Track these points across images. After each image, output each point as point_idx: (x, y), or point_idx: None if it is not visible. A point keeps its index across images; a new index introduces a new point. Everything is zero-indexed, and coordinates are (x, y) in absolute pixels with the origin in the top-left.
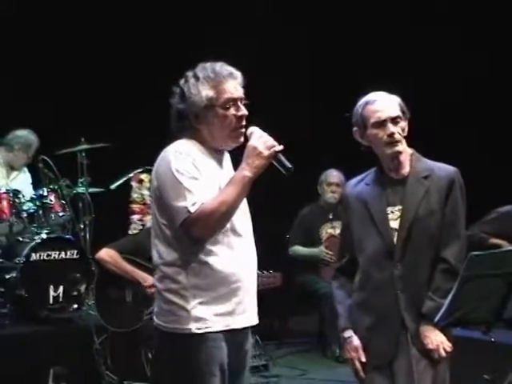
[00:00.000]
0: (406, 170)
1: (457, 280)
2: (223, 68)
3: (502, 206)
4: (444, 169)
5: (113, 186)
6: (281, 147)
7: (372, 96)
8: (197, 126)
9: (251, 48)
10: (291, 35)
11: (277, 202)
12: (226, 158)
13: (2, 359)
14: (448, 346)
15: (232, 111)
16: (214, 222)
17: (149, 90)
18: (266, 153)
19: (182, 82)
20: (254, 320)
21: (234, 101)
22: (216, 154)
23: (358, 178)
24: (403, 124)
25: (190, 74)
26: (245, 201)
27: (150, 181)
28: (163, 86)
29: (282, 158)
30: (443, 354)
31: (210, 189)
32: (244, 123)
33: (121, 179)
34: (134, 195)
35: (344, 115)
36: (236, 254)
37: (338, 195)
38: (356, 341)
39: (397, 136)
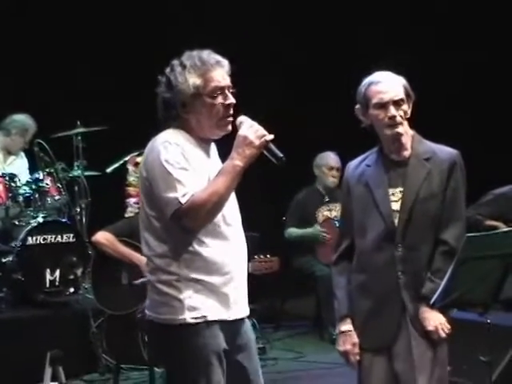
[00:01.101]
0: (407, 151)
1: None
2: (210, 56)
3: (498, 188)
4: (445, 151)
5: (109, 170)
6: (271, 136)
7: (377, 76)
8: (184, 116)
9: (241, 31)
10: (283, 15)
11: (272, 186)
12: (213, 147)
13: None
14: (447, 327)
15: (220, 100)
16: (205, 213)
17: (145, 73)
18: (257, 142)
19: (167, 70)
20: (245, 311)
21: (221, 89)
22: (203, 143)
23: (359, 158)
24: (406, 107)
25: (176, 62)
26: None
27: None
28: (159, 69)
29: (273, 148)
30: (443, 334)
31: (199, 179)
32: (232, 112)
33: (117, 162)
34: (130, 178)
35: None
36: (227, 244)
37: (337, 180)
38: (355, 338)
39: (398, 119)
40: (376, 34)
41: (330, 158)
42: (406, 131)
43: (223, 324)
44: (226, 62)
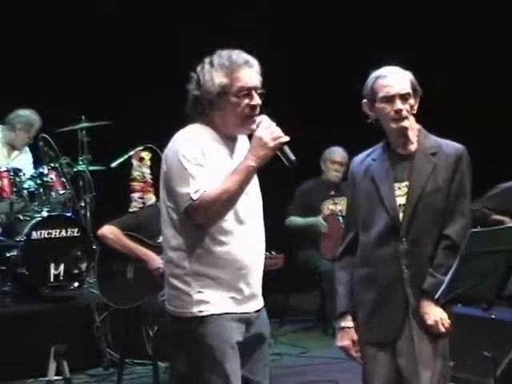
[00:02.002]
0: (413, 146)
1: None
2: (239, 56)
3: (505, 182)
4: (452, 146)
5: (113, 164)
6: (287, 138)
7: (384, 70)
8: (210, 112)
9: (256, 33)
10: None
11: (276, 182)
12: (241, 144)
13: (3, 337)
14: (447, 322)
15: (245, 100)
16: (215, 210)
17: (150, 69)
18: (272, 144)
19: (199, 68)
20: (259, 305)
21: (247, 90)
22: (228, 140)
23: (365, 153)
24: (412, 101)
25: (207, 60)
26: (257, 188)
27: (151, 159)
28: (164, 64)
29: (287, 150)
30: (442, 329)
31: (216, 176)
32: (257, 112)
33: (121, 157)
34: (135, 173)
35: (354, 88)
36: (240, 242)
37: (341, 174)
38: (354, 334)
39: (404, 113)
40: (384, 29)
41: (335, 153)
42: (411, 125)
43: (235, 316)
44: (255, 63)
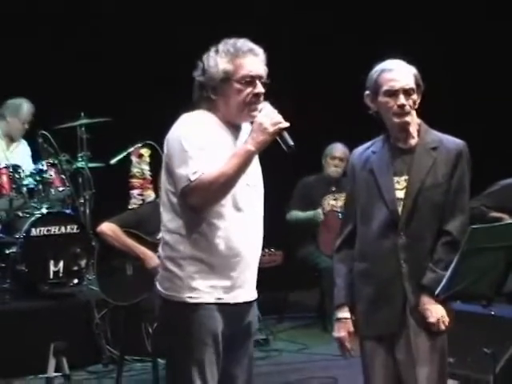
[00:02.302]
0: (414, 140)
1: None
2: (245, 43)
3: (505, 179)
4: (452, 141)
5: (113, 161)
6: (286, 124)
7: (389, 64)
8: (213, 97)
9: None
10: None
11: (278, 176)
12: (244, 132)
13: (3, 334)
14: (447, 319)
15: (249, 87)
16: (211, 192)
17: (149, 66)
18: (271, 129)
19: (204, 56)
20: (250, 296)
21: (251, 77)
22: (231, 127)
23: (365, 145)
24: (415, 96)
25: (213, 48)
26: (260, 178)
27: (150, 156)
28: (163, 62)
29: (286, 136)
30: (442, 327)
31: (217, 161)
32: (260, 100)
33: (121, 154)
34: (134, 170)
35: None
36: (237, 229)
37: (340, 169)
38: (351, 326)
39: (407, 108)
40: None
41: (335, 148)
42: (413, 120)
43: (224, 307)
44: (260, 51)
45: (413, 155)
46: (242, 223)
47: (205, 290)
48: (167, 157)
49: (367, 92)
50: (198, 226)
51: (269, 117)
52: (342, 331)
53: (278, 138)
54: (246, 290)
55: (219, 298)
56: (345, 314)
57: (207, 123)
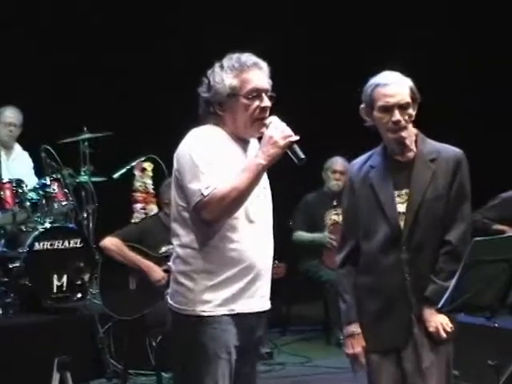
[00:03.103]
0: (411, 153)
1: (459, 262)
2: (249, 58)
3: (507, 191)
4: (450, 151)
5: (115, 175)
6: (296, 137)
7: (384, 78)
8: (220, 113)
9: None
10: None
11: (280, 189)
12: (252, 146)
13: (7, 348)
14: (449, 326)
15: (255, 102)
16: (224, 207)
17: (152, 80)
18: (282, 142)
19: (209, 72)
20: (263, 306)
21: (257, 91)
22: (240, 141)
23: (362, 158)
24: (411, 111)
25: (217, 64)
26: (268, 189)
27: (153, 169)
28: (165, 75)
29: (297, 149)
30: (443, 335)
31: (228, 174)
32: (267, 114)
33: (123, 168)
34: (137, 184)
35: (355, 93)
36: (248, 241)
37: (341, 183)
38: (363, 341)
39: (402, 123)
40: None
41: (335, 162)
42: (409, 133)
43: (236, 318)
44: (264, 65)
45: (412, 168)
46: (254, 234)
47: (218, 303)
48: (177, 172)
49: (362, 105)
50: (211, 239)
51: (279, 130)
52: (357, 346)
53: (288, 151)
54: (257, 300)
55: (232, 310)
56: (357, 329)
57: (216, 137)
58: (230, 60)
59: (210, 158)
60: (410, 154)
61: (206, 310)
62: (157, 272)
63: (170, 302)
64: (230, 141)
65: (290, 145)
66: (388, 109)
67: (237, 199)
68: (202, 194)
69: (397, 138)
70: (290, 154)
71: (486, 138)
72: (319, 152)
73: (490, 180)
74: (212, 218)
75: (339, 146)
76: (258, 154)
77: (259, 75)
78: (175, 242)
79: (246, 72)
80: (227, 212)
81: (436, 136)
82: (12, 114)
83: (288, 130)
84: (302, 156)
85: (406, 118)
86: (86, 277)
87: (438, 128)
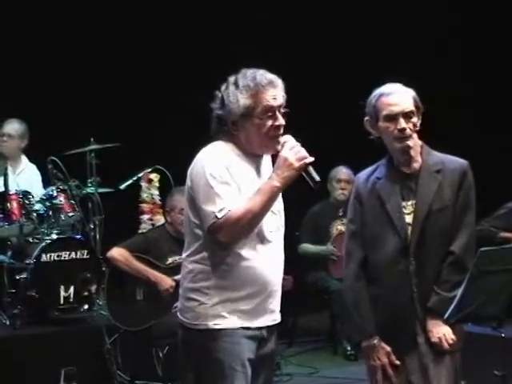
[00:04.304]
0: (417, 164)
1: (463, 272)
2: (263, 76)
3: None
4: (455, 162)
5: (122, 186)
6: (311, 159)
7: (387, 88)
8: (234, 132)
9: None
10: (296, 35)
11: (287, 202)
12: (266, 161)
13: (14, 360)
14: (451, 338)
15: (269, 120)
16: (238, 230)
17: (157, 91)
18: (297, 164)
19: (223, 87)
20: (274, 319)
21: (271, 110)
22: (253, 158)
23: (368, 170)
24: (415, 119)
25: (231, 79)
26: (281, 205)
27: (160, 180)
28: (172, 86)
29: (312, 171)
30: (446, 346)
31: (242, 194)
32: (281, 132)
33: (130, 179)
34: (144, 195)
35: (359, 104)
36: (262, 259)
37: (347, 192)
38: (387, 346)
39: (407, 131)
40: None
41: (340, 172)
42: (415, 143)
43: (248, 332)
44: (279, 82)
45: (417, 179)
46: (267, 252)
47: (230, 316)
48: (191, 190)
49: (367, 118)
50: (224, 257)
51: (293, 152)
52: (383, 357)
53: (303, 173)
54: (269, 315)
55: (244, 325)
56: (379, 340)
57: (229, 155)
58: (245, 78)
59: (224, 179)
60: (416, 165)
61: (218, 323)
62: (165, 281)
63: (181, 317)
64: (244, 158)
65: (305, 167)
66: (393, 117)
67: (251, 222)
68: (216, 217)
69: (403, 146)
70: (305, 176)
71: (489, 148)
72: (325, 164)
73: (495, 190)
74: (226, 240)
75: (344, 157)
76: (272, 176)
77: (274, 93)
78: (188, 257)
79: (261, 92)
80: (241, 234)
81: (440, 147)
82: (12, 126)
83: (303, 152)
84: (318, 179)
85: (411, 126)
86: (93, 288)
87: (442, 139)
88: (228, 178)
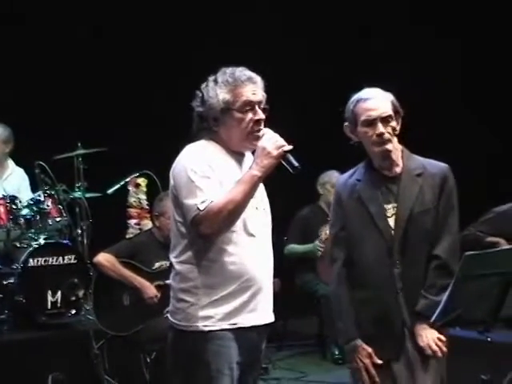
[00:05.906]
0: (398, 167)
1: (449, 275)
2: (242, 73)
3: (499, 206)
4: (436, 166)
5: (110, 191)
6: (290, 147)
7: (365, 93)
8: (215, 129)
9: (254, 49)
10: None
11: (275, 203)
12: (248, 159)
13: (1, 365)
14: (439, 342)
15: (249, 115)
16: (220, 220)
17: (145, 95)
18: (275, 152)
19: (203, 85)
20: (266, 319)
21: (251, 105)
22: (235, 155)
23: (348, 173)
24: (394, 123)
25: (211, 78)
26: (267, 202)
27: (147, 185)
28: (160, 90)
29: (291, 158)
30: (435, 349)
31: (223, 187)
32: (261, 127)
33: (117, 184)
34: (131, 200)
35: (339, 110)
36: (248, 254)
37: None
38: (369, 347)
39: (386, 136)
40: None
41: (334, 176)
42: (395, 147)
43: (238, 333)
44: (258, 79)
45: (399, 183)
46: (253, 247)
47: (220, 317)
48: (174, 188)
49: (346, 123)
50: (210, 253)
51: (271, 141)
52: (364, 358)
53: (282, 161)
54: (259, 314)
55: (234, 324)
56: (359, 342)
57: (211, 152)
58: (224, 75)
59: (205, 173)
60: (397, 169)
61: (208, 324)
62: (149, 289)
63: (172, 319)
64: (225, 155)
65: (283, 155)
66: (371, 122)
67: (233, 212)
68: (198, 209)
69: (382, 151)
70: (284, 163)
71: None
72: (311, 166)
73: (480, 195)
74: (209, 231)
75: (331, 159)
76: (252, 165)
77: (253, 89)
78: (174, 258)
79: (239, 87)
80: (224, 225)
81: (422, 151)
82: None
83: (281, 140)
84: (296, 164)
85: (390, 130)
86: (81, 293)
87: (423, 143)
88: (209, 173)
